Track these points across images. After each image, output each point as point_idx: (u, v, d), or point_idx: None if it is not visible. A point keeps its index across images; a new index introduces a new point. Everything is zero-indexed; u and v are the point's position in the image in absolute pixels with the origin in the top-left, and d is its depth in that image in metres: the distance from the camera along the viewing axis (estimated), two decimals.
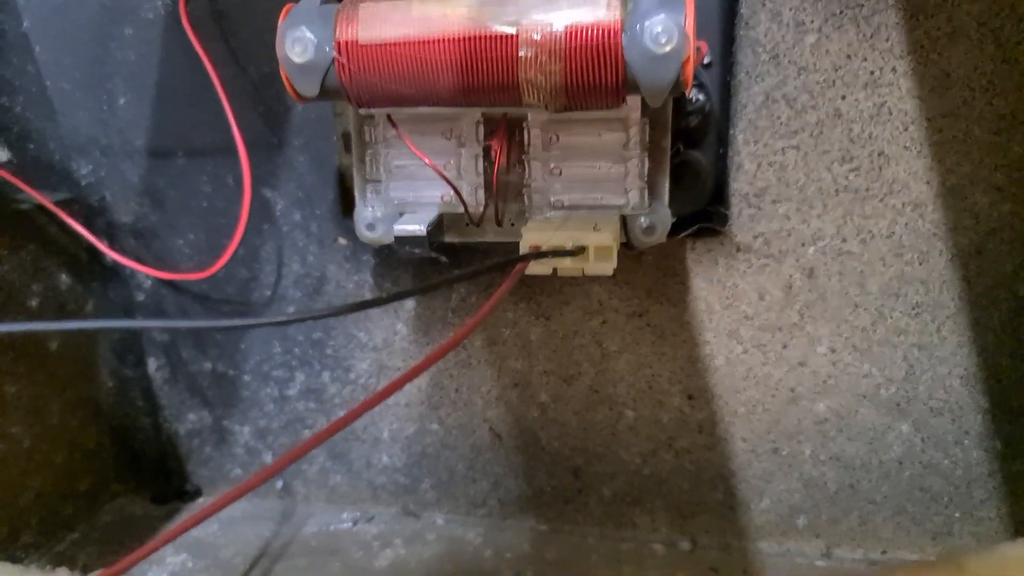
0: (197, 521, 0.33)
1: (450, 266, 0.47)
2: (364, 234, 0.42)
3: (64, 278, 0.51)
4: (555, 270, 0.37)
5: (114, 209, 0.52)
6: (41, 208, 0.49)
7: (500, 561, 0.49)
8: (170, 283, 0.53)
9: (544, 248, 0.35)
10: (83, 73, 0.50)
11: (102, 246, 0.49)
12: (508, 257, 0.35)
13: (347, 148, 0.46)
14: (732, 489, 0.50)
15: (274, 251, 0.51)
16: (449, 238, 0.42)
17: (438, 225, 0.41)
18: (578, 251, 0.36)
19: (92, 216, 0.51)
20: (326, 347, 0.52)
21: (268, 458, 0.56)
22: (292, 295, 0.52)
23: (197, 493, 0.58)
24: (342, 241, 0.50)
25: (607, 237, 0.36)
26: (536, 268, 0.36)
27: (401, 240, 0.38)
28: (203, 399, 0.55)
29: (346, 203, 0.48)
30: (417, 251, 0.39)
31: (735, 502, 0.50)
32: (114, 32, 0.49)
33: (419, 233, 0.38)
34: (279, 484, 0.56)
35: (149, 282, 0.53)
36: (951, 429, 0.46)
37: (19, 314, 0.48)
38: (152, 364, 0.55)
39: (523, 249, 0.36)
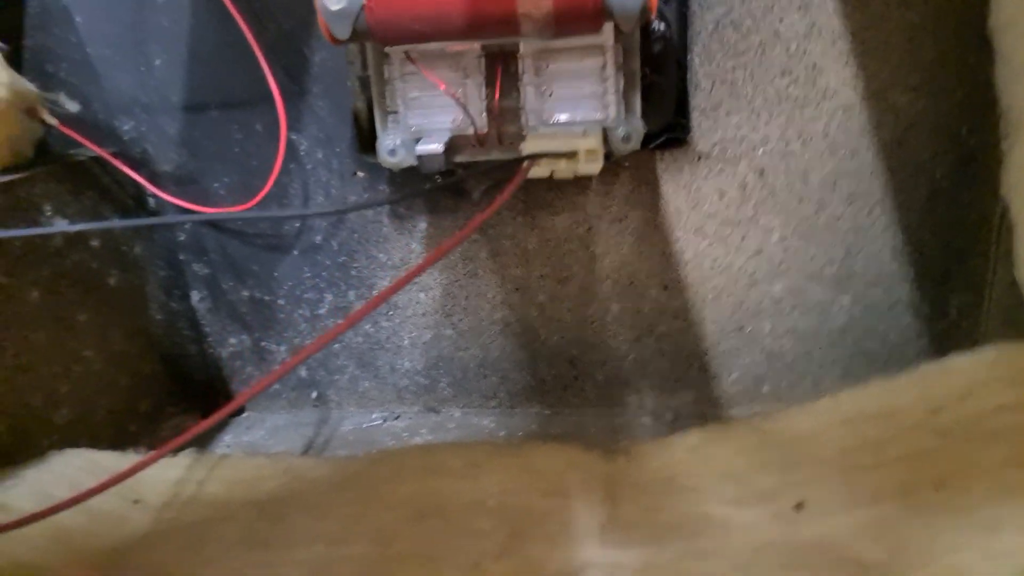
0: (235, 406, 0.41)
1: (457, 185, 0.55)
2: (386, 159, 0.50)
3: (117, 221, 0.58)
4: (552, 174, 0.45)
5: (155, 160, 0.59)
6: (95, 159, 0.56)
7: (512, 439, 0.58)
8: (208, 222, 0.60)
9: (544, 152, 0.43)
10: (121, 39, 0.56)
11: (152, 187, 0.56)
12: (517, 158, 0.43)
13: (362, 91, 0.54)
14: (706, 365, 0.59)
15: (300, 187, 0.58)
16: (458, 159, 0.50)
17: (450, 147, 0.48)
18: (570, 154, 0.44)
19: (135, 167, 0.58)
20: (351, 269, 0.60)
21: (303, 372, 0.64)
22: (318, 225, 0.59)
23: (241, 409, 0.65)
24: (360, 174, 0.58)
25: (594, 142, 0.44)
26: (537, 171, 0.44)
27: (423, 159, 0.46)
28: (242, 324, 0.63)
29: (362, 141, 0.56)
30: (436, 167, 0.47)
31: (709, 376, 0.59)
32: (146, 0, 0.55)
33: (438, 151, 0.46)
34: (314, 394, 0.64)
35: (189, 223, 0.60)
36: (884, 298, 0.55)
37: (84, 251, 0.55)
38: (195, 296, 0.63)
39: (526, 154, 0.44)
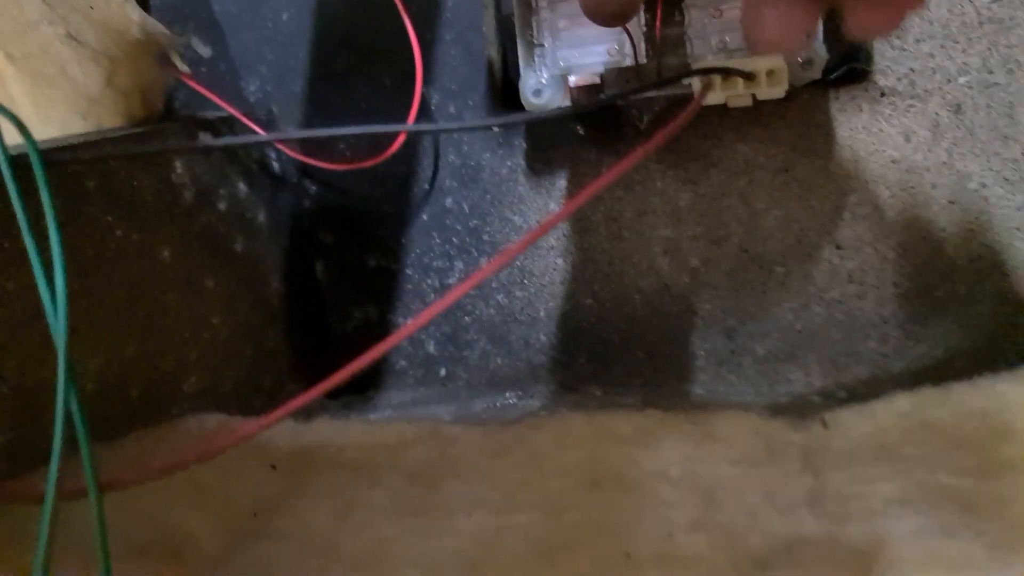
0: (365, 362, 0.36)
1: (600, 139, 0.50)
2: (530, 101, 0.45)
3: (242, 186, 0.56)
4: (727, 101, 0.40)
5: (281, 121, 0.56)
6: (223, 119, 0.54)
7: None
8: (333, 187, 0.57)
9: (719, 71, 0.38)
10: None
11: (284, 148, 0.53)
12: (688, 71, 0.37)
13: (498, 37, 0.50)
14: (886, 336, 0.52)
15: (430, 144, 0.55)
16: (613, 90, 0.45)
17: (604, 82, 0.43)
18: (749, 75, 0.38)
19: (263, 129, 0.56)
20: (483, 234, 0.56)
21: (431, 347, 0.60)
22: (449, 185, 0.55)
23: (365, 388, 0.62)
24: (495, 129, 0.53)
25: (777, 60, 0.38)
26: (711, 97, 0.39)
27: (578, 91, 0.42)
28: (368, 296, 0.59)
29: (496, 93, 0.52)
30: (590, 102, 0.42)
31: (888, 349, 0.52)
32: None
33: (595, 81, 0.41)
34: (442, 372, 0.60)
35: (314, 187, 0.58)
36: None
37: (212, 213, 0.53)
38: (319, 267, 0.60)
39: (698, 74, 0.39)
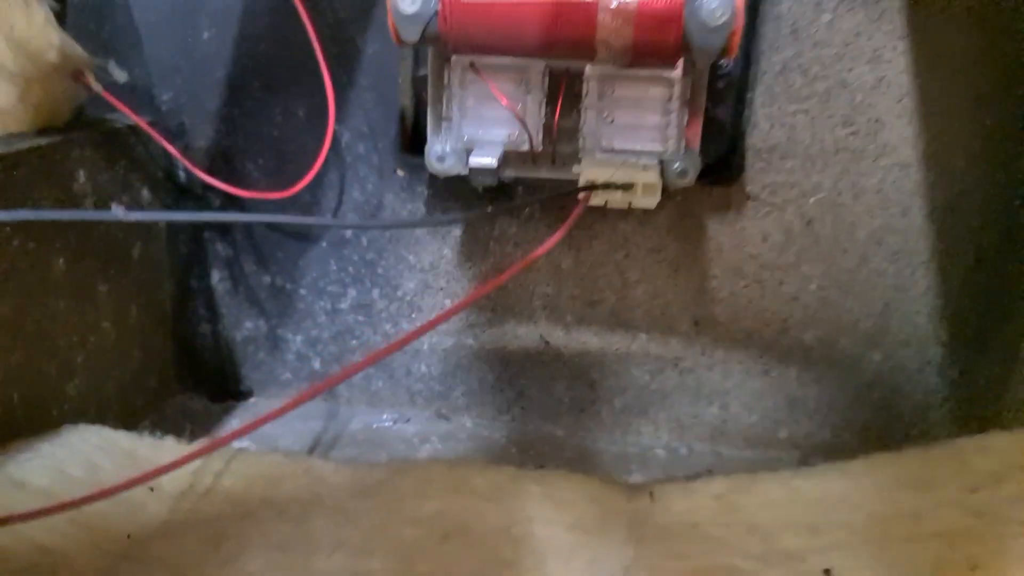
0: (273, 416, 0.39)
1: (502, 200, 0.54)
2: (434, 165, 0.49)
3: (145, 194, 0.57)
4: (606, 203, 0.44)
5: (191, 134, 0.57)
6: (131, 128, 0.54)
7: (525, 456, 0.57)
8: (238, 204, 0.58)
9: (600, 182, 0.42)
10: (171, 7, 0.55)
11: (186, 162, 0.54)
12: (574, 188, 0.42)
13: (412, 90, 0.52)
14: (727, 405, 0.58)
15: (337, 179, 0.57)
16: (509, 173, 0.49)
17: (503, 160, 0.47)
18: (627, 186, 0.43)
19: (170, 139, 0.57)
20: (377, 267, 0.59)
21: (316, 364, 0.62)
22: (350, 218, 0.58)
23: (249, 393, 0.64)
24: (400, 173, 0.56)
25: (653, 176, 0.43)
26: (594, 200, 0.43)
27: (475, 171, 0.45)
28: (260, 309, 0.62)
29: (405, 140, 0.55)
30: (486, 180, 0.46)
31: (728, 416, 0.58)
32: None
33: (491, 166, 0.45)
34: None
35: (218, 201, 0.59)
36: (915, 359, 0.55)
37: (116, 225, 0.53)
38: (215, 276, 0.61)
39: (582, 183, 0.43)
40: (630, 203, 0.44)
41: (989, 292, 0.52)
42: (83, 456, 0.43)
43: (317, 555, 0.39)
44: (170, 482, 0.43)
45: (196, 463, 0.44)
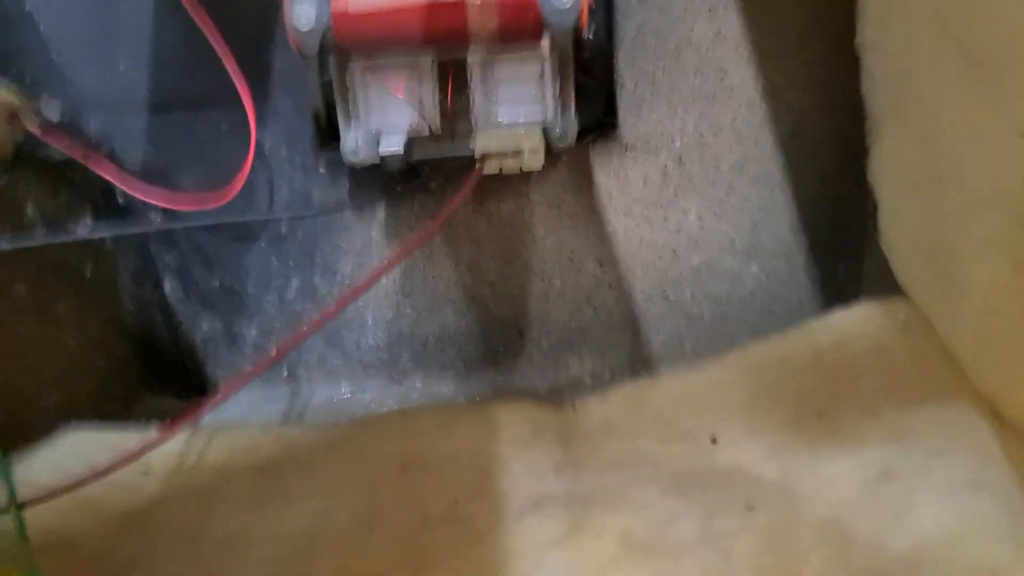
0: (229, 393, 0.46)
1: (413, 179, 0.61)
2: (349, 158, 0.55)
3: (88, 220, 0.62)
4: (500, 170, 0.52)
5: (122, 158, 0.63)
6: (67, 160, 0.59)
7: (471, 403, 0.65)
8: (178, 216, 0.64)
9: (494, 151, 0.50)
10: (85, 43, 0.60)
11: (122, 185, 0.59)
12: (470, 159, 0.49)
13: (323, 94, 0.59)
14: (637, 330, 0.67)
15: (266, 182, 0.63)
16: (417, 156, 0.56)
17: (409, 145, 0.54)
18: (516, 152, 0.51)
19: (104, 167, 0.62)
20: (315, 256, 0.66)
21: (274, 352, 0.69)
22: (283, 215, 0.64)
23: (216, 388, 0.70)
24: (321, 170, 0.63)
25: (535, 141, 0.51)
26: (488, 168, 0.51)
27: (384, 158, 0.52)
28: (214, 311, 0.68)
29: (322, 138, 0.61)
30: (397, 165, 0.53)
31: (640, 340, 0.67)
32: (110, 3, 0.59)
33: (398, 151, 0.52)
34: (284, 372, 0.70)
35: (159, 218, 0.64)
36: (786, 267, 0.64)
37: (67, 249, 0.59)
38: (167, 286, 0.67)
39: (478, 154, 0.50)
40: (520, 167, 0.51)
41: (836, 201, 0.62)
42: (79, 454, 0.49)
43: (296, 503, 0.46)
44: (160, 464, 0.49)
45: (180, 444, 0.51)
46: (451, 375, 0.69)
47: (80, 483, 0.39)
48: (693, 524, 0.40)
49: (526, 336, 0.68)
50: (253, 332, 0.68)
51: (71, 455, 0.48)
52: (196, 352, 0.69)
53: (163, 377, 0.70)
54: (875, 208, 0.53)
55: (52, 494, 0.38)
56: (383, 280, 0.66)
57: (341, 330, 0.68)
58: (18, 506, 0.35)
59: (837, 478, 0.40)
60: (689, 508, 0.41)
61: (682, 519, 0.41)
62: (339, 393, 0.69)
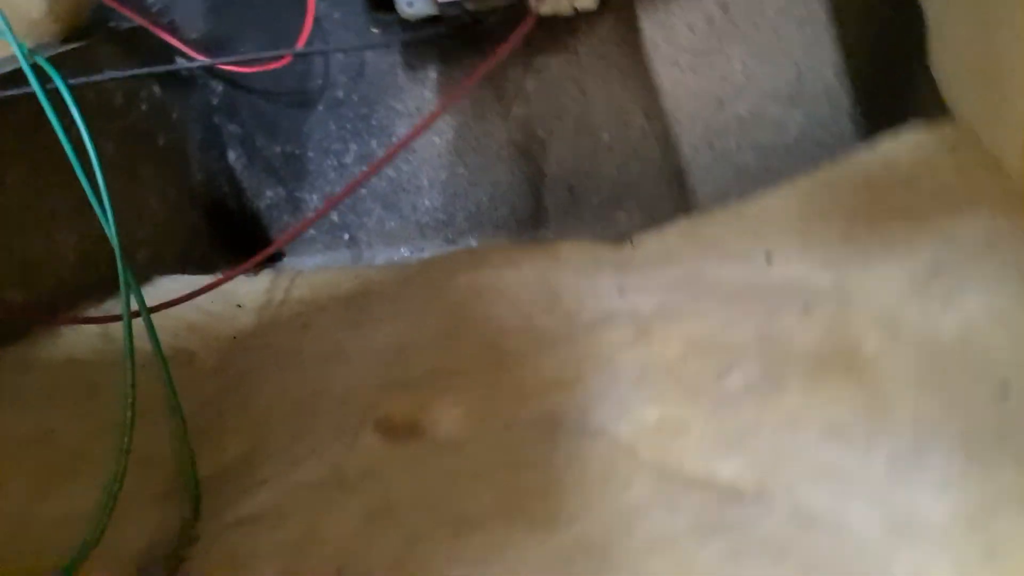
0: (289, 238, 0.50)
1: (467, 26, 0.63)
2: (405, 11, 0.57)
3: (156, 89, 0.65)
4: (554, 14, 0.54)
5: (183, 29, 0.65)
6: (133, 29, 0.62)
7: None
8: (238, 85, 0.67)
9: None
10: None
11: (191, 52, 0.62)
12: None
13: None
14: (684, 182, 0.69)
15: (323, 46, 0.65)
16: (474, 3, 0.57)
17: None
18: None
19: (168, 35, 0.64)
20: (371, 120, 0.68)
21: (335, 217, 0.72)
22: (339, 79, 0.67)
23: (281, 255, 0.74)
24: (375, 31, 0.65)
25: None
26: (545, 8, 0.52)
27: (443, 4, 0.54)
28: (277, 177, 0.71)
29: (373, 0, 0.63)
30: (455, 11, 0.55)
31: (687, 191, 0.70)
32: None
33: None
34: (346, 236, 0.73)
35: (221, 87, 0.67)
36: (829, 111, 0.66)
37: (137, 113, 0.62)
38: (232, 155, 0.70)
39: None
40: (575, 6, 0.53)
41: (879, 39, 0.63)
42: (176, 291, 0.53)
43: (382, 325, 0.50)
44: (251, 299, 0.54)
45: (266, 283, 0.55)
46: (505, 234, 0.72)
47: (194, 294, 0.43)
48: (752, 324, 0.44)
49: (576, 193, 0.70)
50: (315, 198, 0.72)
51: (172, 292, 0.52)
52: (261, 218, 0.73)
53: (232, 245, 0.74)
54: (922, 34, 0.54)
55: (173, 302, 0.42)
56: (436, 141, 0.69)
57: (398, 192, 0.71)
58: (149, 310, 0.39)
59: (889, 277, 0.43)
60: (748, 313, 0.45)
61: (742, 322, 0.44)
62: (399, 254, 0.72)
